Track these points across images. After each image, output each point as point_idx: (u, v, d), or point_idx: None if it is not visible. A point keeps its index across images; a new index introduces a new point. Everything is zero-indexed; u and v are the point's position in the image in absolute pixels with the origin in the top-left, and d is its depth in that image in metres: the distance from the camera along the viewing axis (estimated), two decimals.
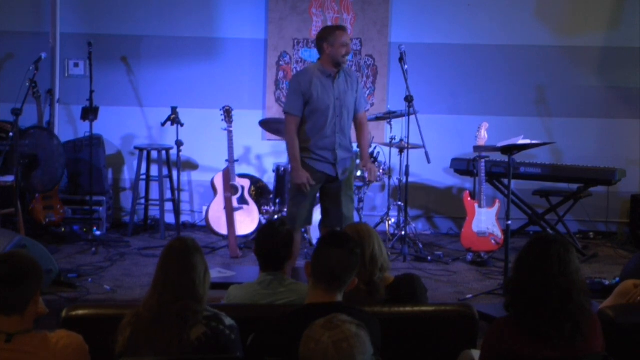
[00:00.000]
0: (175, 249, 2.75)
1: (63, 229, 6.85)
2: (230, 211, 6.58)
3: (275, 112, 7.40)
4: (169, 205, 7.22)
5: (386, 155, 6.82)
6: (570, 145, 7.48)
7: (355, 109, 5.14)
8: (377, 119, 6.84)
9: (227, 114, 6.65)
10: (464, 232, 6.49)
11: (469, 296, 5.40)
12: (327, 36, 4.98)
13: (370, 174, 5.32)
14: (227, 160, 6.64)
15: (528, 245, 2.74)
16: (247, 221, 6.66)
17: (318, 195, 5.20)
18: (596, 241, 7.35)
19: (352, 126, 5.22)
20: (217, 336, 2.66)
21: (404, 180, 6.41)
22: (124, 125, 7.53)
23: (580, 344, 2.64)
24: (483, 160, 6.43)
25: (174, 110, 6.74)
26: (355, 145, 5.37)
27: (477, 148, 6.32)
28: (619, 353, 2.92)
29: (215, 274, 4.58)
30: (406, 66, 6.32)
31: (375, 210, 7.59)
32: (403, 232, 6.47)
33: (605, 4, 7.55)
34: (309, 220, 5.27)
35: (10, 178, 6.10)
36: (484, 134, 6.45)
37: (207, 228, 6.74)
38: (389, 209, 6.84)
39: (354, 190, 5.35)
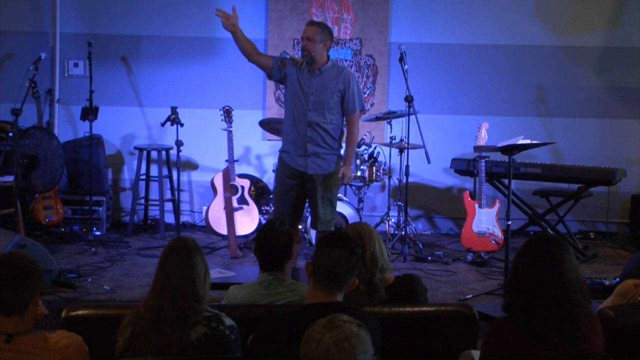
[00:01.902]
0: (176, 249, 2.75)
1: (63, 229, 6.85)
2: (230, 211, 6.58)
3: (275, 112, 7.39)
4: (168, 206, 7.22)
5: (386, 155, 6.81)
6: (570, 145, 7.48)
7: (344, 110, 5.08)
8: (377, 119, 6.84)
9: (227, 114, 6.64)
10: (464, 232, 6.49)
11: (469, 296, 5.40)
12: None
13: (343, 177, 5.08)
14: (227, 160, 6.63)
15: (523, 247, 2.76)
16: (247, 221, 6.65)
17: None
18: (596, 241, 7.35)
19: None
20: (217, 336, 2.66)
21: (404, 180, 6.40)
22: (123, 125, 7.53)
23: (580, 344, 2.64)
24: (483, 160, 6.43)
25: (173, 110, 6.73)
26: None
27: (477, 148, 6.32)
28: (619, 353, 2.92)
29: (215, 274, 4.58)
30: (406, 66, 6.32)
31: (375, 210, 7.59)
32: (403, 232, 6.47)
33: (605, 4, 7.55)
34: (290, 221, 4.95)
35: (10, 178, 6.10)
36: (484, 134, 6.45)
37: (207, 228, 6.74)
38: (389, 209, 6.84)
39: (335, 193, 5.15)
